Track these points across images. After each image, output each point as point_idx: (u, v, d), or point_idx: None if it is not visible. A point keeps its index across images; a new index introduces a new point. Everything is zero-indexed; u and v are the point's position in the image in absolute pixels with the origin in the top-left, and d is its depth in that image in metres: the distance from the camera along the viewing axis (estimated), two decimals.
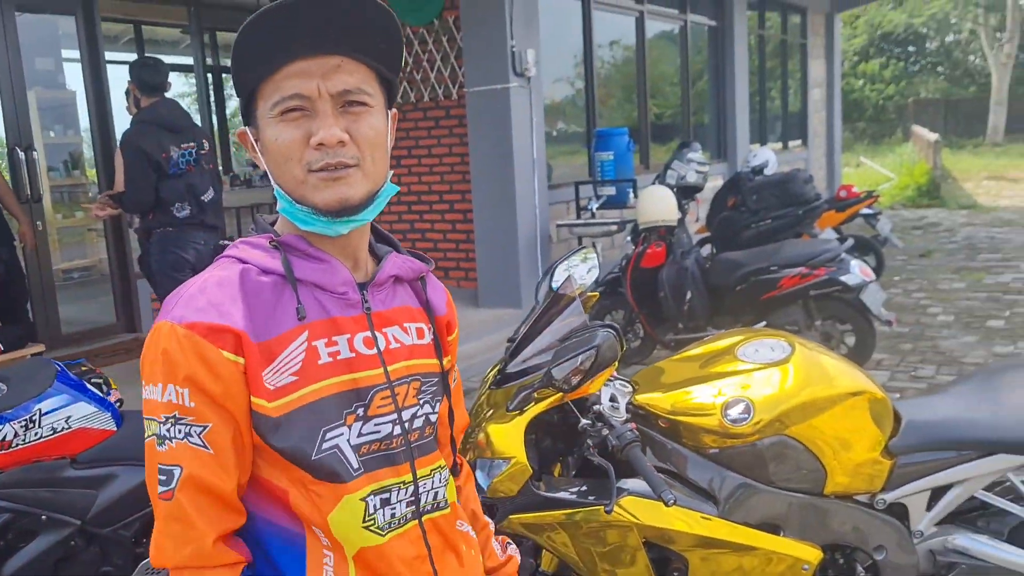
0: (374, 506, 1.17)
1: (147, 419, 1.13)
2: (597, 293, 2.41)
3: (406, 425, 1.21)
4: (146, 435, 1.13)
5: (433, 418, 1.26)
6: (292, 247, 1.18)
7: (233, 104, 9.64)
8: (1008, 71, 28.10)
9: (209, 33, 9.06)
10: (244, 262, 1.18)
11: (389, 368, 1.20)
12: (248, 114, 1.19)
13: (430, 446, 1.25)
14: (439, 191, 7.52)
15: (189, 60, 8.42)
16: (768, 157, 8.01)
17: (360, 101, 1.13)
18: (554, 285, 2.26)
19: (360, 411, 1.17)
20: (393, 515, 1.19)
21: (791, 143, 13.42)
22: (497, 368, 2.25)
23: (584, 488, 2.09)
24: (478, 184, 6.80)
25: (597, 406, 2.07)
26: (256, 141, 1.18)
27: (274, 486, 1.16)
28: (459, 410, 1.40)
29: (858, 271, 5.11)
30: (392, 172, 1.23)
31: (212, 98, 8.74)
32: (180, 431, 1.10)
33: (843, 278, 5.07)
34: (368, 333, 1.19)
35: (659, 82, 10.03)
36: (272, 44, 1.10)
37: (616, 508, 1.99)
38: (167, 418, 1.11)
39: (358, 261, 1.23)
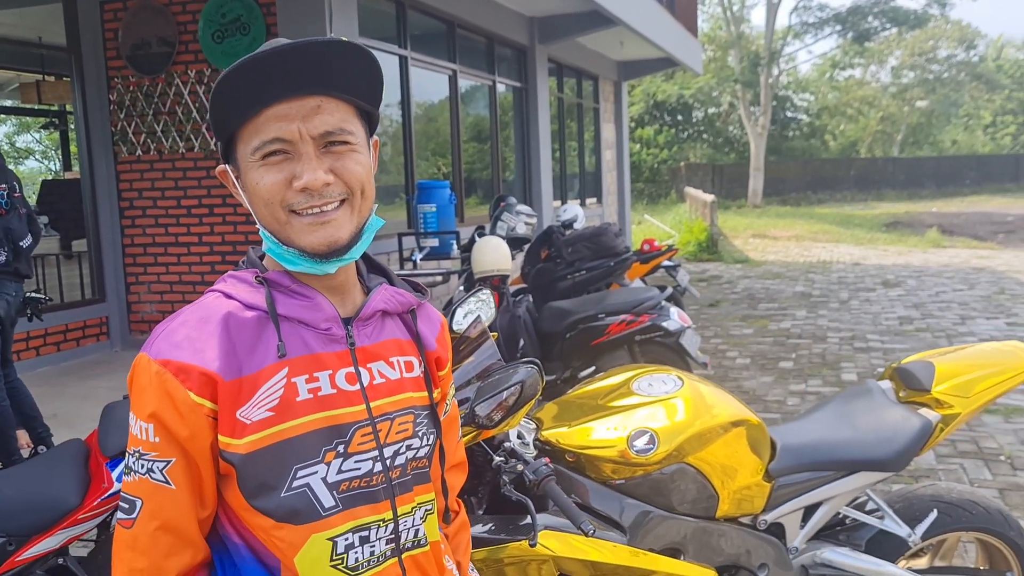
0: (345, 545, 1.15)
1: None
2: (496, 333, 2.47)
3: (388, 462, 1.19)
4: None
5: (421, 453, 1.25)
6: (277, 283, 1.17)
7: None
8: (763, 141, 31.35)
9: None
10: (229, 297, 1.16)
11: (372, 404, 1.19)
12: (227, 154, 1.17)
13: (412, 483, 1.24)
14: (256, 241, 7.29)
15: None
16: (577, 212, 8.43)
17: (343, 140, 1.13)
18: (454, 326, 2.29)
19: (340, 448, 1.15)
20: (372, 552, 1.18)
21: (588, 200, 14.19)
22: None
23: (494, 526, 2.11)
24: None
25: (508, 443, 2.11)
26: (237, 179, 1.17)
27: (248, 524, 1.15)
28: (452, 447, 1.39)
29: (677, 317, 5.48)
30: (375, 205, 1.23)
31: None
32: (143, 466, 1.11)
33: (664, 324, 5.42)
34: (351, 369, 1.18)
35: (470, 139, 10.33)
36: (251, 90, 1.09)
37: None
38: (134, 451, 1.12)
39: (345, 295, 1.22)
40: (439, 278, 6.86)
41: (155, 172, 7.31)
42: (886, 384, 2.58)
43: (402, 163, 8.41)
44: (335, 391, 1.15)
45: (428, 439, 1.26)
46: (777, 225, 22.84)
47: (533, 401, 2.00)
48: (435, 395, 1.29)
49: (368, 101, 1.17)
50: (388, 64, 7.93)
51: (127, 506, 1.12)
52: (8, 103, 12.02)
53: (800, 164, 36.81)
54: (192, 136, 7.12)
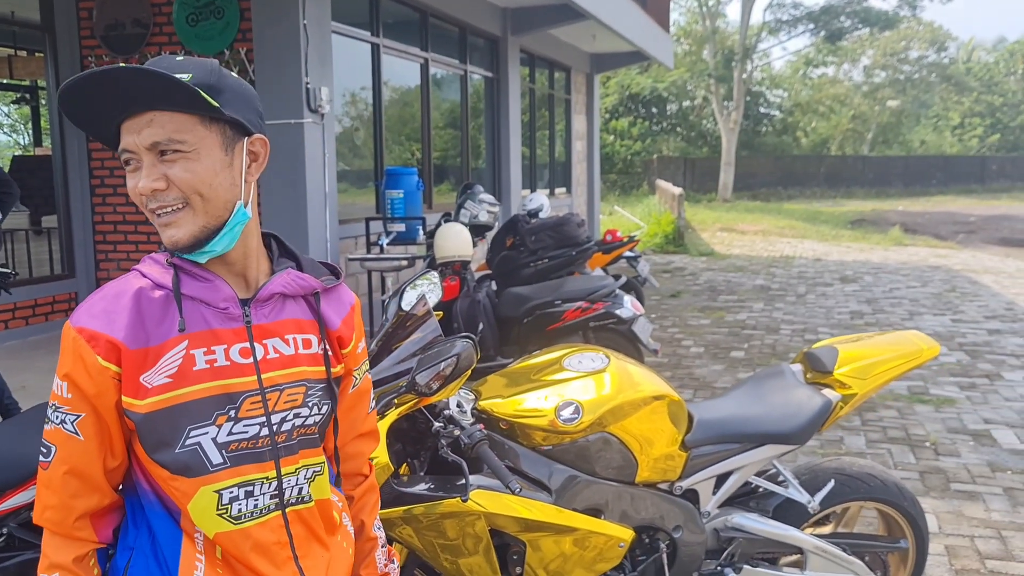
0: (230, 497, 1.33)
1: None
2: (441, 312, 2.68)
3: (274, 427, 1.36)
4: None
5: (310, 422, 1.41)
6: (183, 267, 1.34)
7: None
8: (735, 136, 31.71)
9: None
10: (144, 276, 1.34)
11: (264, 376, 1.35)
12: None
13: (299, 447, 1.40)
14: None
15: None
16: (542, 202, 8.66)
17: (173, 149, 1.26)
18: (404, 305, 2.50)
19: (231, 412, 1.33)
20: (256, 505, 1.36)
21: (557, 190, 14.41)
22: None
23: (433, 485, 2.33)
24: (269, 218, 6.82)
25: (447, 411, 2.33)
26: None
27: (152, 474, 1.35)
28: (363, 416, 1.56)
29: (630, 305, 5.73)
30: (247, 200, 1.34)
31: None
32: (58, 417, 1.31)
33: (618, 311, 5.67)
34: (246, 344, 1.34)
35: (442, 127, 10.50)
36: (106, 108, 1.27)
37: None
38: (53, 404, 1.31)
39: (248, 279, 1.39)
40: (404, 263, 7.08)
41: None
42: (796, 367, 2.84)
43: (372, 149, 8.58)
44: (229, 363, 1.33)
45: (320, 409, 1.42)
46: (745, 219, 23.22)
47: (469, 371, 2.22)
48: (336, 370, 1.46)
49: (195, 110, 1.27)
50: (360, 51, 8.09)
51: (45, 450, 1.32)
52: None
53: (771, 160, 37.28)
54: None
